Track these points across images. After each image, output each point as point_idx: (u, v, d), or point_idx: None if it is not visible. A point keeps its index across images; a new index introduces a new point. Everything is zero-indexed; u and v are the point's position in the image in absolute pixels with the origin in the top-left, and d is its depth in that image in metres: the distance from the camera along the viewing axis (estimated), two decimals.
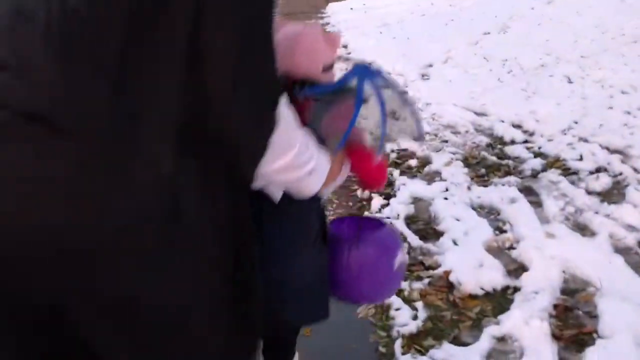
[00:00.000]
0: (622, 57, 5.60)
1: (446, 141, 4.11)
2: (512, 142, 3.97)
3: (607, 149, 3.63)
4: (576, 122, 4.12)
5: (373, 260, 1.46)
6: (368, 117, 1.21)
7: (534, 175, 3.42)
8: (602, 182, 3.18)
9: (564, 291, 2.35)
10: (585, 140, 3.81)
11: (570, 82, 5.12)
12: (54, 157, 0.87)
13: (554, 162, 3.54)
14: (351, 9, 11.01)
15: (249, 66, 0.94)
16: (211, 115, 0.93)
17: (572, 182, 3.24)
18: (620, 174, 3.27)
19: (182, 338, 0.99)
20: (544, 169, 3.47)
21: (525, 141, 3.96)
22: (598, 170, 3.36)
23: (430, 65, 6.29)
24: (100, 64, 0.87)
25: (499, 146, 3.93)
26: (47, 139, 0.87)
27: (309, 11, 10.82)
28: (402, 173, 3.57)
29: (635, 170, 3.28)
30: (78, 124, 0.87)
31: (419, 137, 1.28)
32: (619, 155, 3.49)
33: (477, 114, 4.62)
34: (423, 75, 5.96)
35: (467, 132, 4.29)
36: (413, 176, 3.54)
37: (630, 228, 2.71)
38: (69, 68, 0.87)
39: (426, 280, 2.45)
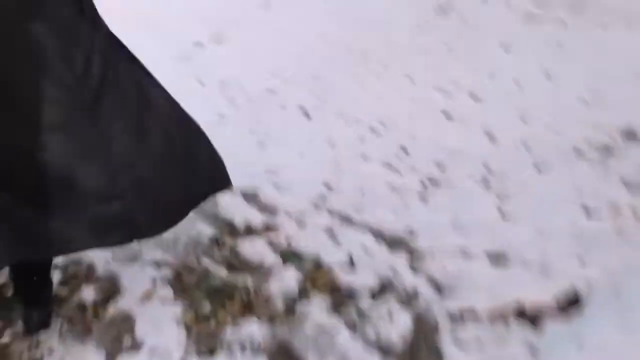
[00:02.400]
0: (357, 79, 4.70)
1: None
2: (249, 231, 2.58)
3: (383, 237, 2.48)
4: (330, 188, 2.93)
5: None
6: None
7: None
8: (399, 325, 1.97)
9: None
10: (349, 221, 2.62)
11: (307, 116, 3.97)
12: None
13: (316, 278, 2.25)
14: None
15: None
16: None
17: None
18: (413, 291, 2.11)
19: None
20: (303, 295, 2.15)
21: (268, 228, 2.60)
22: (383, 289, 2.16)
23: None
24: None
25: (228, 242, 2.50)
26: None
27: None
28: None
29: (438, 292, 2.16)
30: None
31: None
32: (404, 254, 2.36)
33: None
34: None
35: None
36: None
37: None
38: None
39: None
